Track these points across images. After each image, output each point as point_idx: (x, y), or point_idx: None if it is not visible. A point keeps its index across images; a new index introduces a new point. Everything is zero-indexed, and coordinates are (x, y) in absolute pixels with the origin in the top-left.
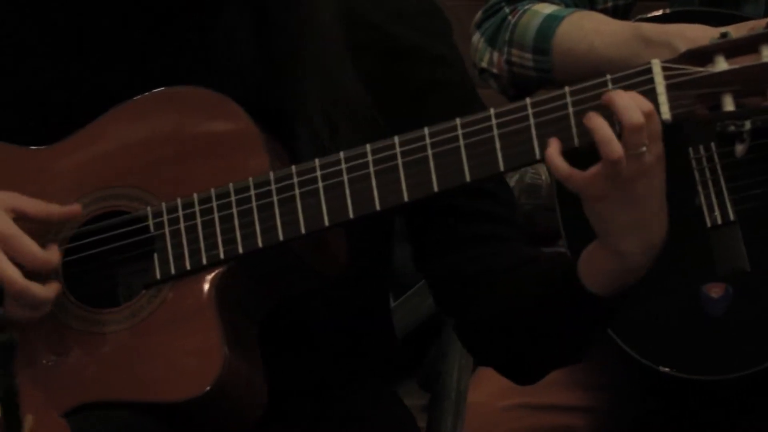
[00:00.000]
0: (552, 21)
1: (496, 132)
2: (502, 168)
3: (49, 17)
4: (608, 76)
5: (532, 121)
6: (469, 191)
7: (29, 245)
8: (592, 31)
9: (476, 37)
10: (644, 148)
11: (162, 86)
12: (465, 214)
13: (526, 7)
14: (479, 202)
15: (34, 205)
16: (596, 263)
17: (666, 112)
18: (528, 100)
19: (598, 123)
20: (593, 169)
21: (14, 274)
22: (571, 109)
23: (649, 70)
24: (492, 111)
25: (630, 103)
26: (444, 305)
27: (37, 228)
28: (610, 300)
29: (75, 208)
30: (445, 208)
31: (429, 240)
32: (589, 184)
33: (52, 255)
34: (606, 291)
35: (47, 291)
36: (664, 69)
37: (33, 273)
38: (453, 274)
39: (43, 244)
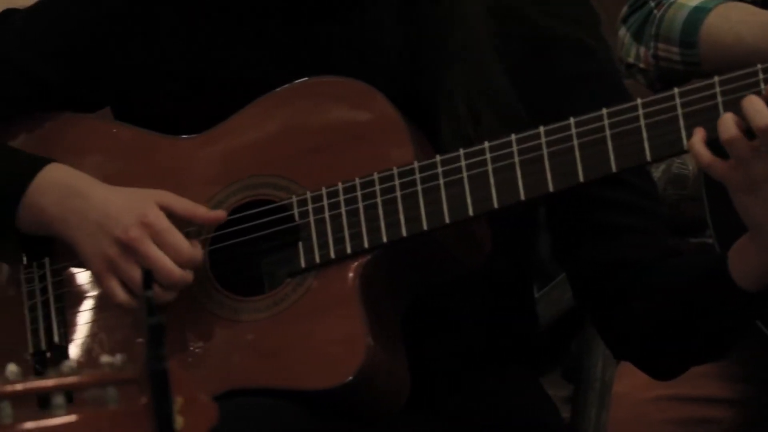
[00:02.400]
0: (699, 13)
1: (643, 122)
2: (648, 158)
3: (202, 9)
4: (759, 66)
5: (680, 111)
6: (609, 182)
7: (179, 241)
8: (739, 22)
9: (622, 32)
10: None
11: (308, 77)
12: (605, 205)
13: (671, 0)
14: (620, 192)
15: (181, 204)
16: (747, 259)
17: None
18: (676, 90)
19: (721, 120)
20: (732, 159)
21: (172, 265)
22: (720, 99)
23: None
24: (639, 101)
25: (759, 107)
26: (581, 297)
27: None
28: (759, 296)
29: (220, 213)
30: (584, 198)
31: (568, 230)
32: (730, 173)
33: (197, 252)
34: (756, 287)
35: None
36: None
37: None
38: (590, 266)
39: (188, 236)
